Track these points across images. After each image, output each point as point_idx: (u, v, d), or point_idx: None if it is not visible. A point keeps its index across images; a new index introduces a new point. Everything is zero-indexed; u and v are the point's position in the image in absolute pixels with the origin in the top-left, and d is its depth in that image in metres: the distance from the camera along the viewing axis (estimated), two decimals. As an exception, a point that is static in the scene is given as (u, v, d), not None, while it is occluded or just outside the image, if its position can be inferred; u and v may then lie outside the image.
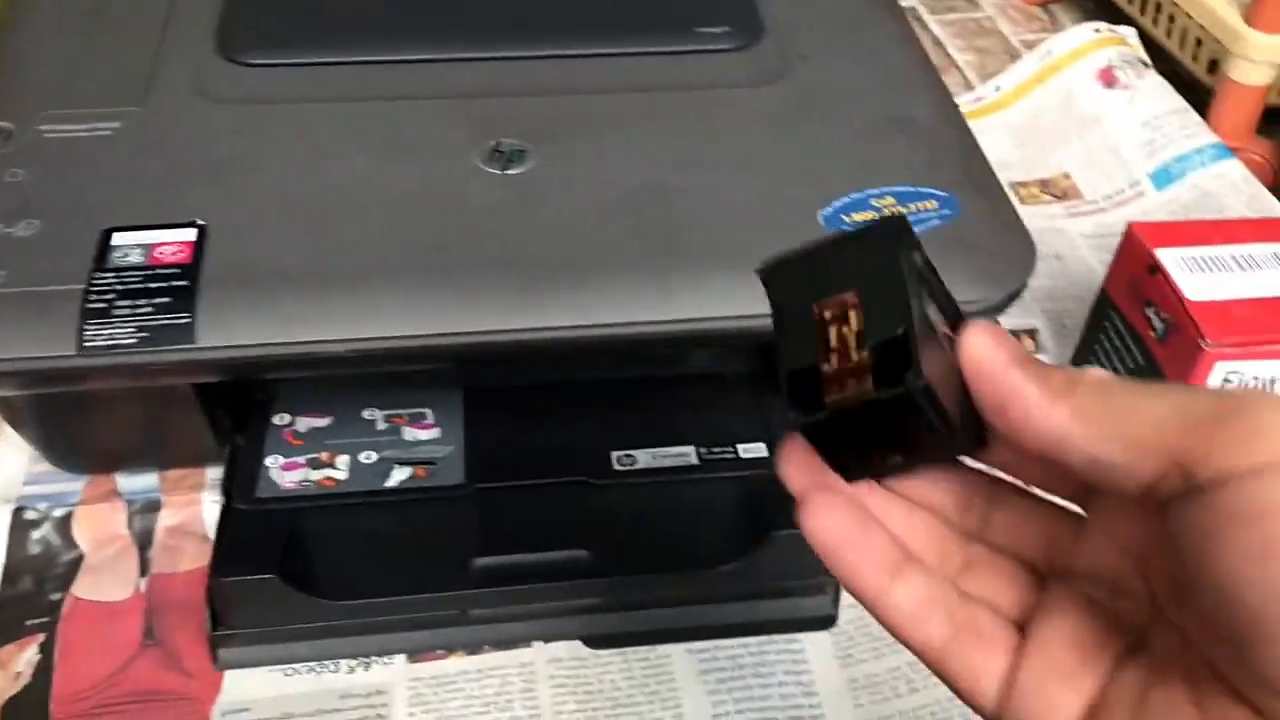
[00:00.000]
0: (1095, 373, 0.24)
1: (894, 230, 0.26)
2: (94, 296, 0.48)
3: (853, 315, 0.25)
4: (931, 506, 0.29)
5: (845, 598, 0.56)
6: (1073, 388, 0.24)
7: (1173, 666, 0.24)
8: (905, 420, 0.25)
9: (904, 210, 0.52)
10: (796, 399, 0.26)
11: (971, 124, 0.86)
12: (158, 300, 0.48)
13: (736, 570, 0.55)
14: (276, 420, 0.61)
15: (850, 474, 0.28)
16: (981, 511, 0.29)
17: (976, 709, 0.27)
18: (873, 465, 0.28)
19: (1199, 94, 0.88)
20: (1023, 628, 0.28)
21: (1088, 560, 0.27)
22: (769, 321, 0.26)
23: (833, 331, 0.25)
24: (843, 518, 0.27)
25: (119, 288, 0.48)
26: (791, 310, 0.26)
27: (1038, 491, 0.29)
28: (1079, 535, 0.28)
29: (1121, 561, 0.26)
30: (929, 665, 0.28)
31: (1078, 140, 0.84)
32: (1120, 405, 0.23)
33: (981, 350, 0.25)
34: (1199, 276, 0.55)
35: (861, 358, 0.25)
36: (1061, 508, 0.29)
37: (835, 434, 0.26)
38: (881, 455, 0.28)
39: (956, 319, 0.27)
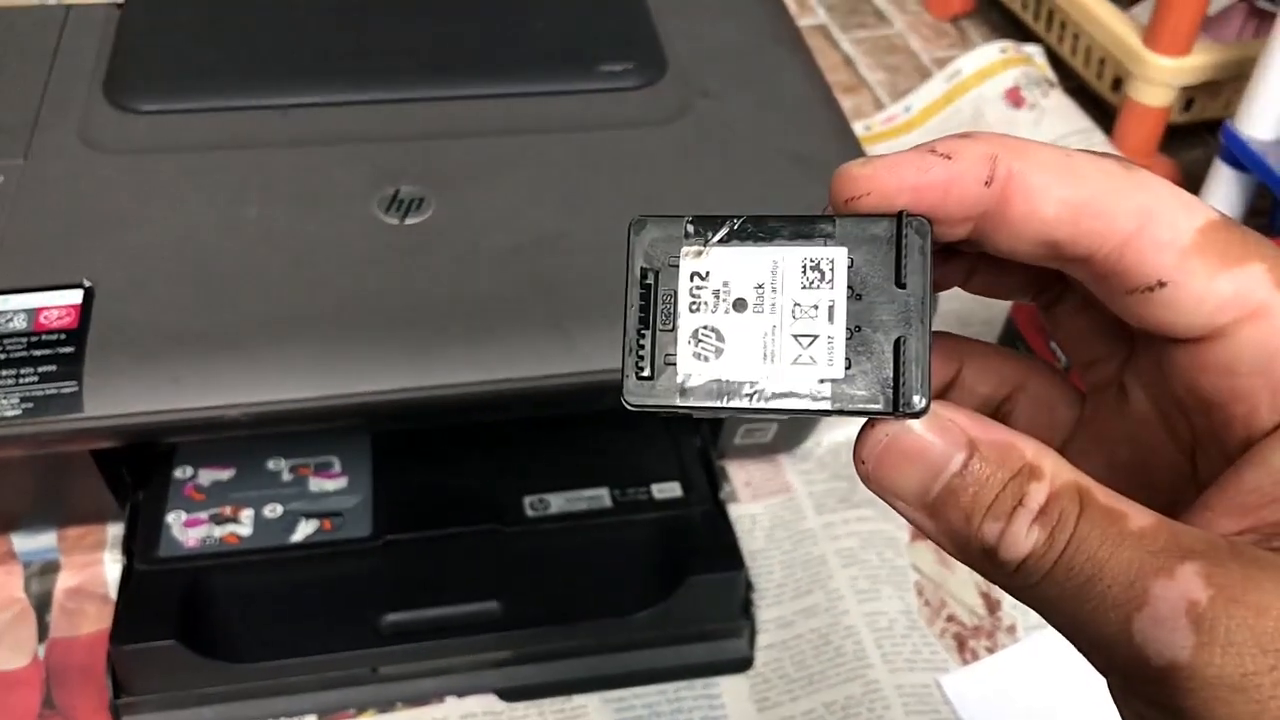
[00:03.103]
0: None
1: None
2: (-26, 366, 0.46)
3: None
4: None
5: (761, 639, 0.56)
6: None
7: None
8: None
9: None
10: None
11: (883, 145, 0.87)
12: (43, 369, 0.46)
13: (652, 616, 0.54)
14: (178, 474, 0.59)
15: None
16: None
17: None
18: None
19: (1106, 109, 0.89)
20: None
21: None
22: None
23: None
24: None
25: (1, 357, 0.46)
26: None
27: None
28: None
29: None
30: None
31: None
32: None
33: None
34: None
35: None
36: None
37: None
38: None
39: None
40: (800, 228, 0.21)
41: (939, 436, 0.20)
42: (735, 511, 0.62)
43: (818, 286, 0.21)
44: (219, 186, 0.54)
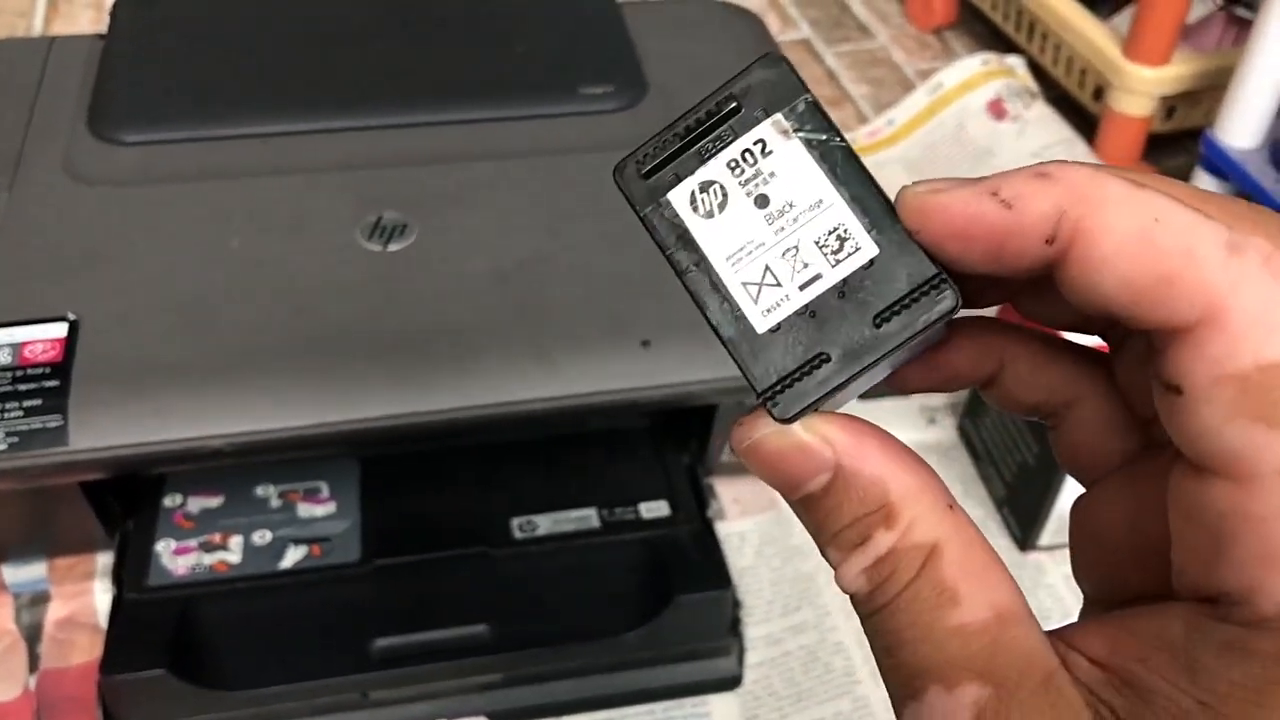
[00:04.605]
0: None
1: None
2: (-41, 401, 0.46)
3: None
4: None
5: (750, 657, 0.57)
6: None
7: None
8: None
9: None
10: None
11: (867, 159, 0.87)
12: (27, 403, 0.46)
13: (641, 636, 0.54)
14: (168, 502, 0.59)
15: None
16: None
17: None
18: None
19: (1088, 119, 0.90)
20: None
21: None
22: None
23: None
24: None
25: (-15, 391, 0.46)
26: None
27: None
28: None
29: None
30: None
31: (971, 173, 0.84)
32: None
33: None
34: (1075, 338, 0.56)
35: None
36: None
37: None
38: None
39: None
40: (869, 199, 0.20)
41: (805, 456, 0.20)
42: (724, 529, 0.62)
43: (825, 254, 0.20)
44: (202, 217, 0.54)
